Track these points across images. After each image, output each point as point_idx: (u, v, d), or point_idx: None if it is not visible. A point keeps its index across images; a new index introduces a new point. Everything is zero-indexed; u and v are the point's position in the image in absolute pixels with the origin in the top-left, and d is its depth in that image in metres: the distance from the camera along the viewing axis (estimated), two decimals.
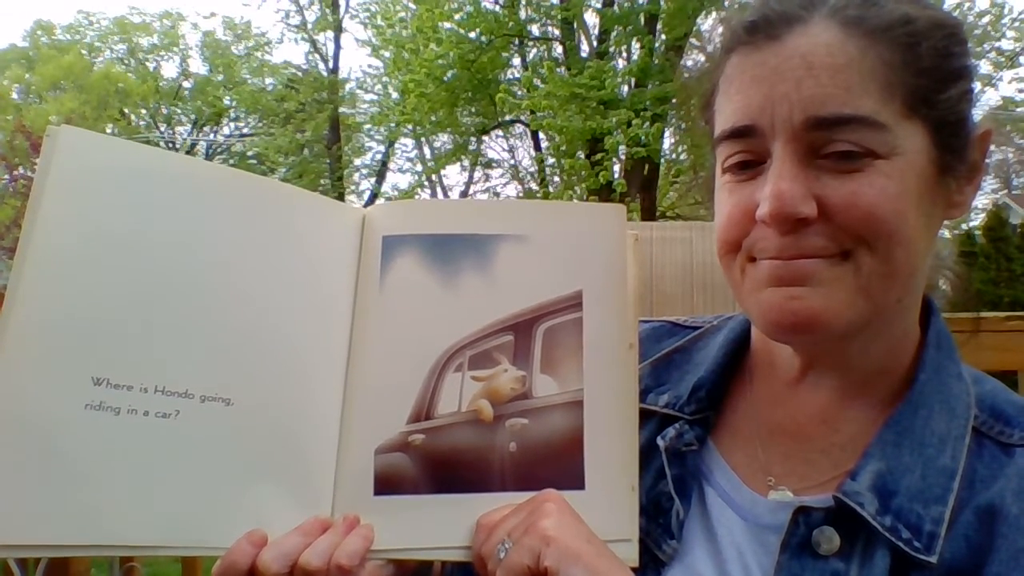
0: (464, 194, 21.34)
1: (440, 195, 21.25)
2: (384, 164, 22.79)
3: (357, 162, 23.80)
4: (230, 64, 23.48)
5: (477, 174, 21.63)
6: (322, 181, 21.34)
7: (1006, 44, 13.10)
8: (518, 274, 0.73)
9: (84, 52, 22.88)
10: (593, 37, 14.86)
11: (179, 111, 24.35)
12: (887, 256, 0.61)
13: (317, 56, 23.45)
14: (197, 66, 24.25)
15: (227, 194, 0.71)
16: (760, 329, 0.69)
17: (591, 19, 14.86)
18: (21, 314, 0.62)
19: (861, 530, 0.62)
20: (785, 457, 0.71)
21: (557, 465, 0.69)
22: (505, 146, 20.78)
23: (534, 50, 16.00)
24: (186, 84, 24.12)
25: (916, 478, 0.62)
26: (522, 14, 14.48)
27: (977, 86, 0.67)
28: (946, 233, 0.73)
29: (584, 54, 14.57)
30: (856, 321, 0.63)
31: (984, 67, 12.49)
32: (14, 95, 21.69)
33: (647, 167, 12.97)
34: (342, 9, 22.28)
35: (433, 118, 15.15)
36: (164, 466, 0.65)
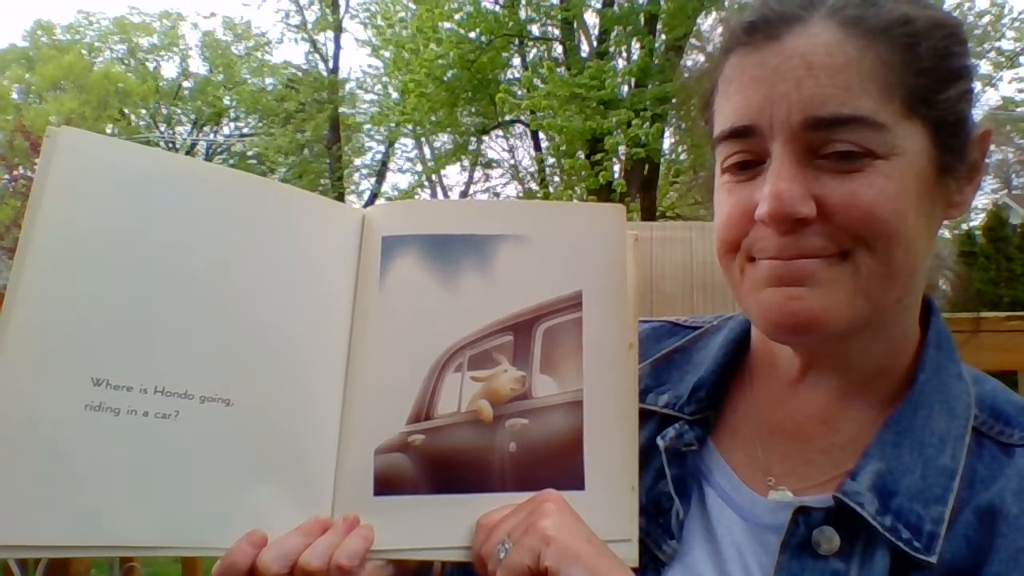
0: (464, 194, 21.34)
1: (440, 195, 21.25)
2: (384, 164, 22.79)
3: (357, 162, 23.81)
4: (230, 64, 23.47)
5: (477, 174, 21.64)
6: (322, 181, 21.34)
7: (1006, 44, 13.11)
8: (518, 274, 0.73)
9: (84, 52, 22.88)
10: (593, 37, 14.86)
11: (179, 111, 24.35)
12: (886, 256, 0.61)
13: (317, 56, 23.46)
14: (197, 66, 24.28)
15: (227, 195, 0.71)
16: (760, 329, 0.69)
17: (591, 19, 14.87)
18: (21, 314, 0.62)
19: (861, 530, 0.62)
20: (785, 457, 0.71)
21: (557, 465, 0.69)
22: (505, 146, 20.79)
23: (534, 50, 16.00)
24: (186, 84, 24.12)
25: (916, 478, 0.62)
26: (522, 14, 14.48)
27: (977, 86, 0.67)
28: (946, 233, 0.73)
29: (584, 54, 14.57)
30: (855, 321, 0.63)
31: (984, 67, 12.49)
32: (14, 95, 21.69)
33: (647, 167, 12.97)
34: (342, 9, 22.29)
35: (433, 118, 15.15)
36: (164, 467, 0.65)
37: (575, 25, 14.44)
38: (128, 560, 2.28)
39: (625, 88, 13.00)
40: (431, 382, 0.71)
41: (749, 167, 0.65)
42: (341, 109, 22.49)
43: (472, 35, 13.89)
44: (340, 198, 17.58)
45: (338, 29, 22.45)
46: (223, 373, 0.67)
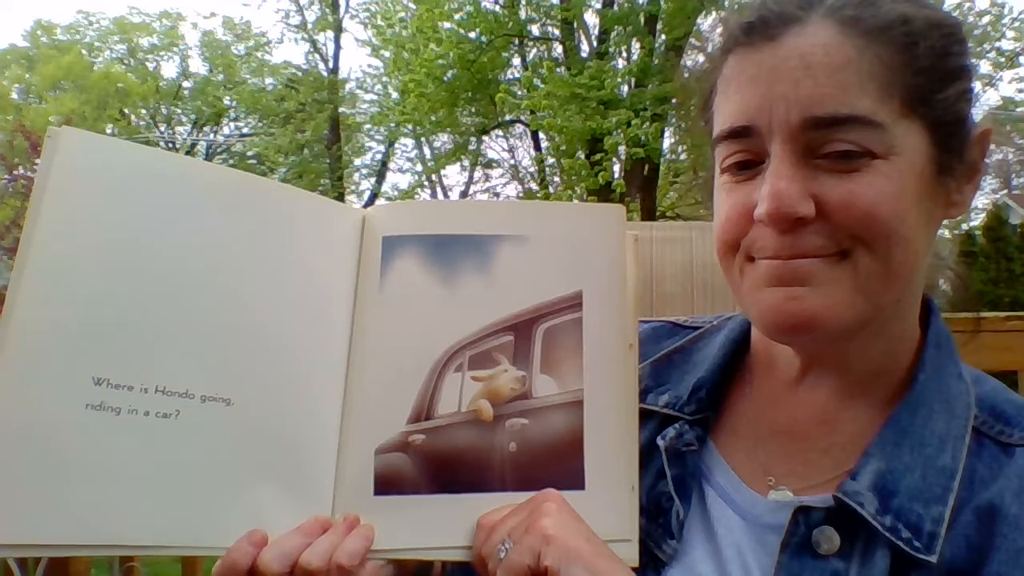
0: (464, 194, 21.34)
1: (440, 195, 21.26)
2: (384, 164, 22.79)
3: (357, 162, 23.81)
4: (230, 64, 23.46)
5: (477, 174, 21.65)
6: (322, 181, 21.33)
7: (1006, 44, 13.10)
8: (518, 274, 0.73)
9: (84, 52, 22.86)
10: (593, 37, 14.86)
11: (179, 111, 24.34)
12: (886, 256, 0.61)
13: (317, 56, 23.45)
14: (197, 66, 24.26)
15: (228, 195, 0.71)
16: (759, 329, 0.69)
17: (591, 19, 14.87)
18: (23, 314, 0.62)
19: (861, 530, 0.62)
20: (785, 457, 0.71)
21: (557, 465, 0.69)
22: (505, 146, 20.79)
23: (534, 50, 16.00)
24: (186, 84, 24.12)
25: (916, 478, 0.62)
26: (522, 14, 14.48)
27: (977, 86, 0.67)
28: (946, 233, 0.74)
29: (584, 54, 14.57)
30: (855, 321, 0.63)
31: (984, 67, 12.48)
32: (14, 95, 21.68)
33: (647, 167, 12.96)
34: (342, 9, 22.29)
35: (433, 118, 15.14)
36: (165, 466, 0.65)
37: (575, 25, 14.44)
38: (128, 560, 2.28)
39: (625, 88, 13.00)
40: (431, 382, 0.71)
41: (748, 167, 0.66)
42: (341, 109, 22.49)
43: (472, 35, 13.89)
44: (340, 198, 17.58)
45: (338, 29, 22.45)
46: (224, 373, 0.68)
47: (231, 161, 21.85)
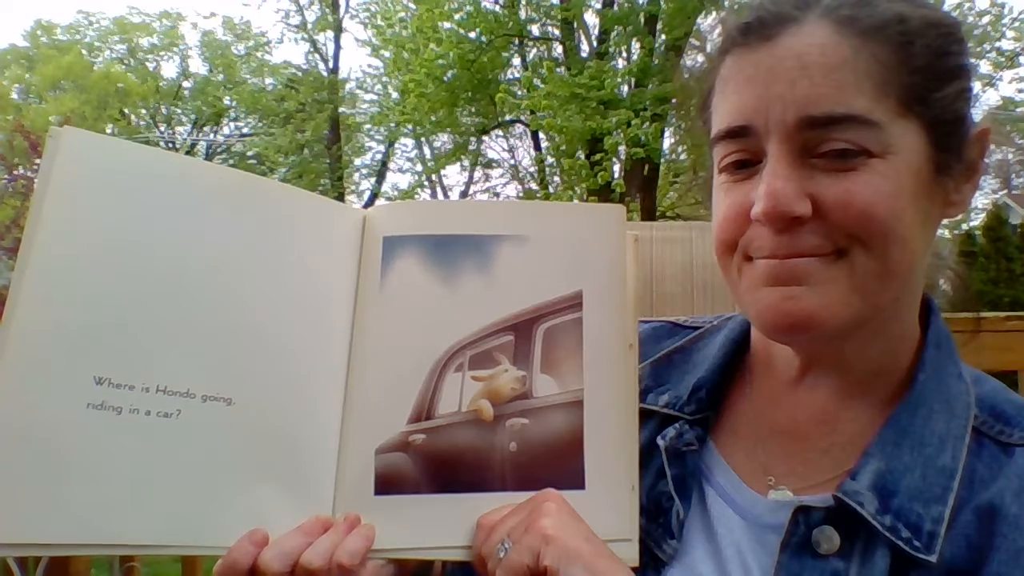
0: (464, 194, 21.34)
1: (440, 195, 21.25)
2: (384, 164, 22.79)
3: (357, 162, 23.80)
4: (230, 64, 23.46)
5: (477, 174, 21.65)
6: (322, 181, 21.34)
7: (1006, 44, 13.11)
8: (518, 274, 0.73)
9: (84, 52, 22.86)
10: (593, 37, 14.87)
11: (179, 111, 24.34)
12: (883, 255, 0.61)
13: (317, 56, 23.45)
14: (197, 66, 24.26)
15: (229, 195, 0.71)
16: (757, 328, 0.69)
17: (591, 19, 14.87)
18: (24, 314, 0.62)
19: (861, 529, 0.62)
20: (785, 457, 0.71)
21: (557, 465, 0.70)
22: (505, 146, 20.79)
23: (534, 50, 16.00)
24: (186, 84, 24.12)
25: (916, 478, 0.62)
26: (522, 14, 14.48)
27: (976, 86, 0.67)
28: (946, 233, 0.74)
29: (584, 54, 14.57)
30: (853, 320, 0.63)
31: (984, 67, 12.49)
32: (14, 95, 21.68)
33: (647, 167, 12.97)
34: (342, 9, 22.29)
35: (433, 118, 15.14)
36: (166, 466, 0.65)
37: (575, 25, 14.44)
38: (128, 560, 2.28)
39: (625, 88, 13.01)
40: (432, 382, 0.71)
41: (746, 167, 0.66)
42: (341, 109, 22.48)
43: (472, 35, 13.89)
44: (340, 198, 17.57)
45: (338, 29, 22.45)
46: (225, 372, 0.68)
47: (231, 161, 21.85)
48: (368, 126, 21.24)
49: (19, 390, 0.61)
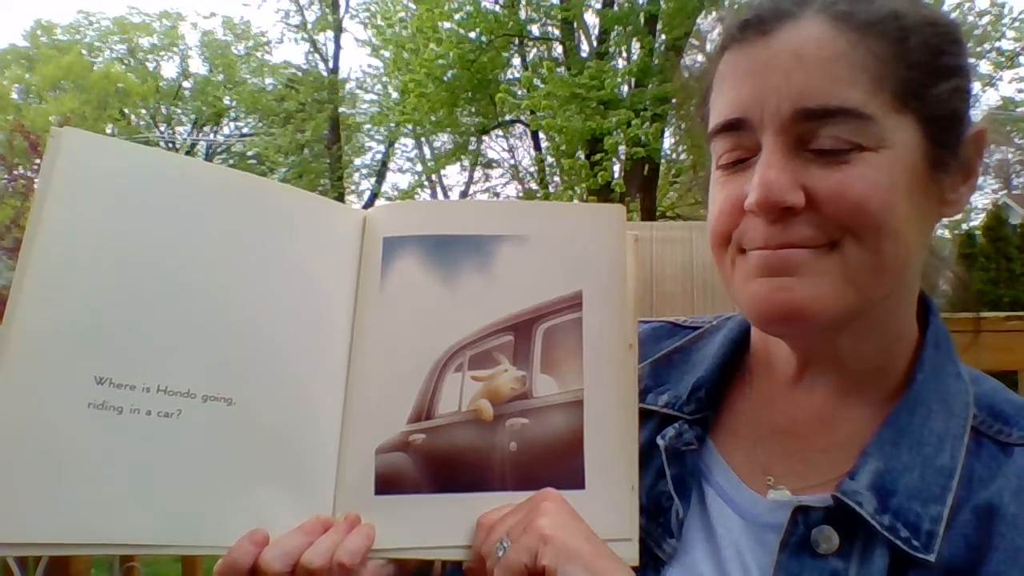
0: (464, 194, 21.34)
1: (440, 195, 21.26)
2: (384, 164, 22.79)
3: (357, 162, 23.80)
4: (230, 64, 23.45)
5: (477, 174, 21.65)
6: (322, 181, 21.34)
7: (1006, 44, 13.10)
8: (518, 274, 0.73)
9: (84, 52, 22.86)
10: (593, 37, 14.87)
11: (179, 111, 24.34)
12: (875, 247, 0.61)
13: (317, 56, 23.45)
14: (197, 66, 24.25)
15: (230, 196, 0.71)
16: (750, 320, 0.69)
17: (591, 19, 14.87)
18: (26, 314, 0.63)
19: (860, 529, 0.62)
20: (784, 456, 0.71)
21: (557, 465, 0.70)
22: (505, 146, 20.80)
23: (534, 50, 16.01)
24: (186, 84, 24.11)
25: (915, 477, 0.62)
26: (522, 14, 14.48)
27: (976, 86, 0.67)
28: (946, 233, 0.74)
29: (584, 54, 14.57)
30: (845, 312, 0.63)
31: (984, 67, 12.48)
32: (14, 95, 21.67)
33: (647, 167, 12.97)
34: (342, 9, 22.29)
35: (433, 118, 15.14)
36: (166, 465, 0.65)
37: (575, 25, 14.44)
38: (128, 560, 2.28)
39: (625, 88, 13.01)
40: (432, 382, 0.71)
41: (743, 163, 0.66)
42: (341, 109, 22.48)
43: (472, 35, 13.89)
44: (340, 198, 17.58)
45: (338, 29, 22.45)
46: (225, 373, 0.68)
47: (231, 161, 21.86)
48: (368, 126, 21.24)
49: (20, 390, 0.62)
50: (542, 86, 12.57)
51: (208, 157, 21.93)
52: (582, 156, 13.07)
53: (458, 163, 19.88)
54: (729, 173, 0.68)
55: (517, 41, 15.15)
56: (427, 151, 20.98)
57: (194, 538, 0.65)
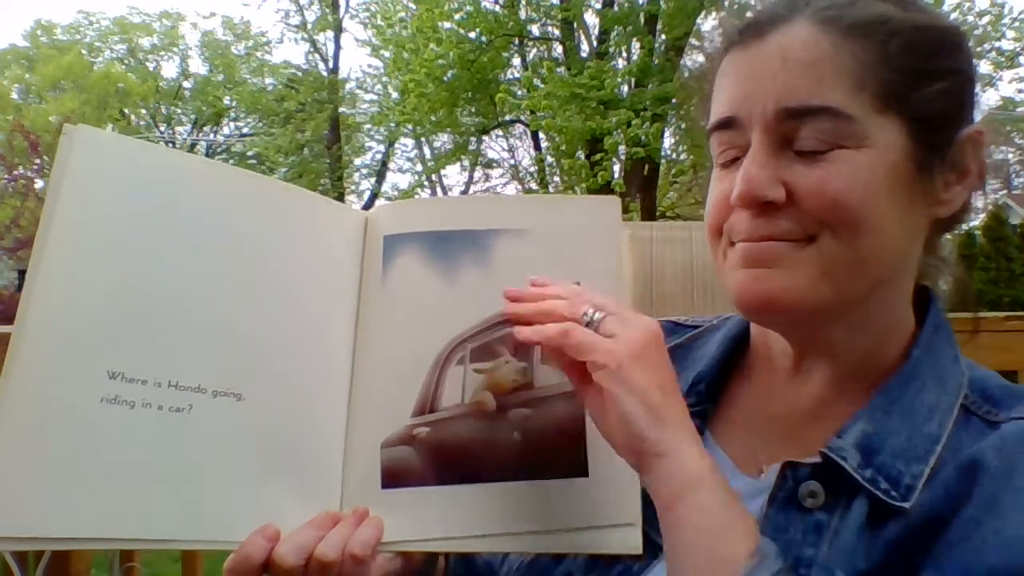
0: (464, 194, 21.35)
1: (440, 195, 21.26)
2: (384, 164, 22.80)
3: (357, 162, 23.82)
4: (230, 64, 23.46)
5: (477, 174, 21.67)
6: (322, 181, 21.35)
7: (1006, 44, 13.11)
8: (516, 267, 0.74)
9: (84, 52, 22.86)
10: (593, 37, 14.88)
11: (179, 111, 24.34)
12: (850, 242, 0.63)
13: (317, 56, 23.47)
14: (197, 66, 24.27)
15: (241, 194, 0.72)
16: (736, 309, 0.71)
17: (591, 19, 14.88)
18: (39, 310, 0.63)
19: (844, 484, 0.63)
20: (780, 441, 0.72)
21: (561, 453, 0.70)
22: (505, 146, 20.82)
23: (534, 50, 16.03)
24: (186, 84, 24.11)
25: (901, 439, 0.64)
26: (522, 14, 14.49)
27: (977, 88, 0.68)
28: (946, 233, 0.75)
29: (584, 54, 14.59)
30: (821, 303, 0.65)
31: (984, 67, 12.49)
32: (14, 95, 21.67)
33: (647, 167, 12.98)
34: (342, 9, 22.30)
35: (433, 118, 15.15)
36: (178, 460, 0.65)
37: (575, 25, 14.46)
38: (128, 560, 2.28)
39: (625, 88, 13.02)
40: (434, 375, 0.72)
41: (737, 161, 0.68)
42: (341, 109, 22.49)
43: (472, 35, 13.90)
44: (340, 198, 17.56)
45: (338, 29, 22.46)
46: (234, 368, 0.68)
47: (231, 161, 21.80)
48: (368, 126, 21.27)
49: (36, 385, 0.62)
50: (542, 86, 12.58)
51: (208, 157, 21.91)
52: (582, 156, 13.09)
53: (458, 163, 19.90)
54: (724, 170, 0.70)
55: (517, 41, 15.17)
56: (427, 151, 21.00)
57: (205, 533, 0.66)
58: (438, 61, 13.71)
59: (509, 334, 0.72)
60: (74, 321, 0.64)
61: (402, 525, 0.69)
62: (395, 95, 17.42)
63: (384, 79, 19.87)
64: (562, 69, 13.71)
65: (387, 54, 17.39)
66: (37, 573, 1.92)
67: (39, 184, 12.80)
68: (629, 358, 0.60)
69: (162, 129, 23.65)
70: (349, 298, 0.75)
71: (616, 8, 13.53)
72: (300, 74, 23.49)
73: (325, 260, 0.74)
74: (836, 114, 0.62)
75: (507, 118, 16.37)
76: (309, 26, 22.68)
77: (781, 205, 0.64)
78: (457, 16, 13.78)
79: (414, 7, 15.15)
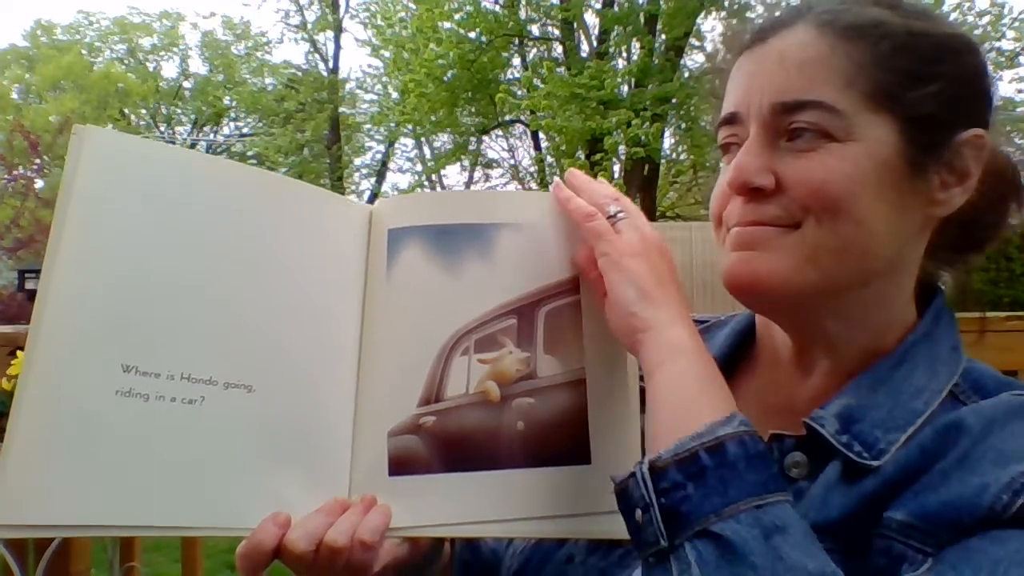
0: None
1: None
2: (384, 164, 22.81)
3: (357, 162, 23.82)
4: (230, 64, 23.44)
5: (477, 174, 21.65)
6: (322, 181, 21.29)
7: (1006, 44, 13.12)
8: (517, 260, 0.75)
9: (84, 52, 22.85)
10: (593, 37, 14.89)
11: (179, 111, 24.33)
12: (832, 230, 0.65)
13: (317, 56, 23.46)
14: (197, 66, 24.24)
15: (249, 191, 0.73)
16: (727, 290, 0.73)
17: (591, 19, 14.89)
18: (55, 304, 0.65)
19: (822, 451, 0.66)
20: (779, 427, 0.74)
21: (564, 441, 0.72)
22: (505, 146, 20.82)
23: (534, 50, 16.04)
24: (186, 84, 24.11)
25: (883, 412, 0.66)
26: (522, 14, 14.50)
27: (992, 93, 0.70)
28: (979, 251, 0.77)
29: (584, 54, 14.60)
30: (804, 287, 0.67)
31: None
32: (14, 95, 21.67)
33: (647, 167, 12.98)
34: (342, 9, 22.30)
35: (433, 118, 15.16)
36: (191, 451, 0.67)
37: (575, 25, 14.47)
38: (128, 560, 2.30)
39: (625, 88, 13.02)
40: (440, 366, 0.73)
41: None
42: (341, 109, 22.49)
43: (472, 35, 13.90)
44: None
45: (338, 29, 22.46)
46: (244, 360, 0.70)
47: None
48: (368, 126, 21.27)
49: (52, 378, 0.64)
50: (542, 86, 12.59)
51: None
52: (582, 156, 13.10)
53: (458, 163, 19.91)
54: (726, 162, 0.74)
55: (517, 41, 15.18)
56: (427, 151, 21.02)
57: (218, 521, 0.67)
58: (438, 61, 13.72)
59: (512, 325, 0.74)
60: (89, 316, 0.66)
61: (409, 512, 0.70)
62: (395, 95, 17.44)
63: (384, 79, 19.89)
64: (562, 69, 13.72)
65: (387, 54, 17.40)
66: (37, 573, 1.93)
67: (39, 184, 12.80)
68: (629, 252, 0.68)
69: (162, 129, 23.63)
70: (355, 291, 0.76)
71: (616, 8, 13.55)
72: (300, 74, 23.47)
73: (331, 254, 0.76)
74: (826, 108, 0.65)
75: (507, 118, 16.39)
76: (309, 26, 22.69)
77: (770, 192, 0.67)
78: (457, 16, 13.79)
79: (414, 7, 15.16)
